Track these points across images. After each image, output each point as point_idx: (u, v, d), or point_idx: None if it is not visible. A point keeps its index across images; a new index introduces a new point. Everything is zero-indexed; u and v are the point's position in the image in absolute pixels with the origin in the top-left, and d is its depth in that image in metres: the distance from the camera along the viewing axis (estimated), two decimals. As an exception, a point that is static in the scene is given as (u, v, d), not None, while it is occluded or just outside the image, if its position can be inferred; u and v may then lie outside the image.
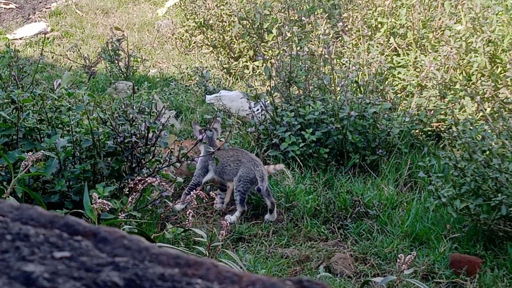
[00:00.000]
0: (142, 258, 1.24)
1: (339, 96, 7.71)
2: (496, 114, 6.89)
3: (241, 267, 4.71)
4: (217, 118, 7.11)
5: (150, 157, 5.69)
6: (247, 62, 10.89)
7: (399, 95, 8.64)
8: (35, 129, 5.47)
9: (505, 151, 6.01)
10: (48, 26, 13.58)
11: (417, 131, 7.93)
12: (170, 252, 1.26)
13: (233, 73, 10.79)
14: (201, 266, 1.22)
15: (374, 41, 9.37)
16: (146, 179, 4.98)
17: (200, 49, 12.04)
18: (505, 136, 6.08)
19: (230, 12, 11.26)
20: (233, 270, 1.20)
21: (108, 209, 4.54)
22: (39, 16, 14.25)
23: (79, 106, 5.54)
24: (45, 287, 1.11)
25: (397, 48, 9.52)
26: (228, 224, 4.81)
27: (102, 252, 1.25)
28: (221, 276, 1.20)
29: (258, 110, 7.86)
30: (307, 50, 8.51)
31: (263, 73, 9.25)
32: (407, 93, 8.69)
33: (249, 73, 10.65)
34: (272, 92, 8.00)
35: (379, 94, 8.13)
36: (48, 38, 12.74)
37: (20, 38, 13.11)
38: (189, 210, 4.98)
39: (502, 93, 8.02)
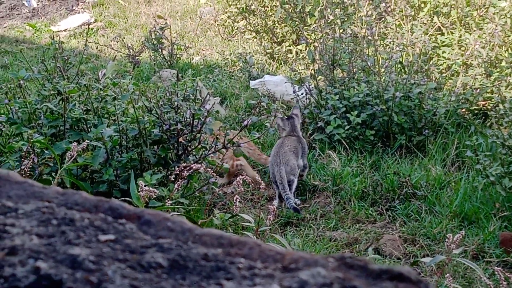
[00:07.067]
0: (185, 239, 1.25)
1: (383, 78, 7.67)
2: (544, 91, 6.80)
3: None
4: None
5: (196, 144, 5.71)
6: (290, 46, 10.89)
7: (444, 75, 8.57)
8: (81, 119, 5.52)
9: (554, 127, 5.94)
10: (92, 17, 13.70)
11: (463, 110, 7.86)
12: (213, 233, 1.27)
13: (276, 58, 10.79)
14: (244, 245, 1.23)
15: (418, 21, 9.31)
16: (192, 166, 5.00)
17: (243, 34, 12.06)
18: (553, 113, 6.01)
19: (271, -3, 11.27)
20: (275, 249, 1.21)
21: (155, 196, 4.56)
22: (82, 7, 14.38)
23: (124, 96, 5.58)
24: (91, 269, 1.13)
25: (441, 27, 9.43)
26: (276, 209, 4.80)
27: (146, 234, 1.27)
28: (264, 254, 1.21)
29: (302, 94, 7.86)
30: (350, 32, 8.48)
31: (307, 56, 9.25)
32: (452, 72, 8.61)
33: (293, 57, 10.65)
34: (316, 75, 7.99)
35: (424, 74, 8.07)
36: (92, 29, 12.84)
37: (64, 30, 13.24)
38: (236, 195, 4.99)
39: (549, 69, 7.92)
